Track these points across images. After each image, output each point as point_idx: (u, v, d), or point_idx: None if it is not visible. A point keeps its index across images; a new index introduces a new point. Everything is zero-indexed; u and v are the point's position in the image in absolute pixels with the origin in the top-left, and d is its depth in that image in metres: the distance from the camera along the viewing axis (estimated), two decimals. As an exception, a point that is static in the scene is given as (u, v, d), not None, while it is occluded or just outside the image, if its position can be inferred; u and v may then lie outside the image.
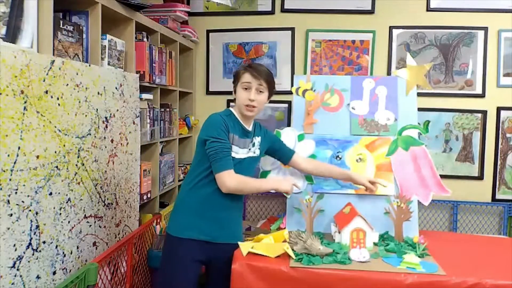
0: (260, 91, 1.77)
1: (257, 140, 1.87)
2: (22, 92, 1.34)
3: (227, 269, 1.73)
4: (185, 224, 1.76)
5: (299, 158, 2.04)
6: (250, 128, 1.84)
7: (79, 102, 1.67)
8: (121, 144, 2.05)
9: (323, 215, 2.09)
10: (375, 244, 1.91)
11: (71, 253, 1.64)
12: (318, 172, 2.08)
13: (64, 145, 1.57)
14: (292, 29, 3.17)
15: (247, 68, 1.78)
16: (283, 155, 2.02)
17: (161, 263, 1.80)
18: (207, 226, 1.75)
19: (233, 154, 1.73)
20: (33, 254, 1.41)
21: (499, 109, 3.03)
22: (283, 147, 2.03)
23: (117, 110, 1.99)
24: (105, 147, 1.89)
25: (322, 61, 3.16)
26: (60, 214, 1.56)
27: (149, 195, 2.47)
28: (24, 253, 1.37)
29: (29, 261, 1.40)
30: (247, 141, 1.81)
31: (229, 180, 1.69)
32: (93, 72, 1.77)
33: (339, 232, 1.89)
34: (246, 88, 1.76)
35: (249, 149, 1.82)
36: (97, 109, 1.81)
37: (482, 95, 3.04)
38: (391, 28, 3.08)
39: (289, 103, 3.13)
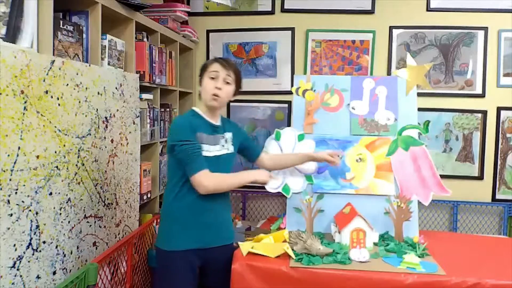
0: (227, 82, 1.75)
1: (229, 135, 1.82)
2: (22, 92, 1.34)
3: (223, 270, 1.73)
4: (175, 236, 1.71)
5: (265, 156, 2.02)
6: (217, 122, 1.80)
7: (79, 102, 1.67)
8: (121, 144, 2.05)
9: (323, 215, 2.09)
10: (375, 244, 1.91)
11: (71, 253, 1.64)
12: (280, 165, 2.05)
13: (64, 145, 1.57)
14: (292, 29, 3.17)
15: (216, 58, 1.78)
16: (252, 152, 1.99)
17: (158, 279, 1.75)
18: (198, 233, 1.71)
19: (205, 153, 1.69)
20: (33, 254, 1.41)
21: (499, 109, 3.02)
22: (252, 144, 2.01)
23: (117, 110, 1.99)
24: (105, 147, 1.89)
25: (322, 61, 3.16)
26: (60, 214, 1.56)
27: (149, 195, 2.47)
28: (24, 253, 1.37)
29: (29, 261, 1.39)
30: (217, 137, 1.76)
31: (205, 180, 1.64)
32: (93, 72, 1.77)
33: (339, 232, 1.89)
34: (213, 78, 1.73)
35: (223, 146, 1.78)
36: (97, 109, 1.81)
37: (482, 95, 3.04)
38: (391, 28, 3.08)
39: (289, 103, 3.13)
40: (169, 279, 1.70)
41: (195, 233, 1.71)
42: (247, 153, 1.98)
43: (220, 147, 1.77)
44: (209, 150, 1.71)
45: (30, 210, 1.39)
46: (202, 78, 1.77)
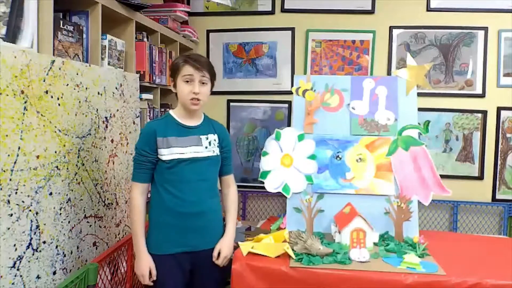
0: (203, 83, 1.69)
1: (214, 137, 1.76)
2: (22, 92, 1.34)
3: (212, 273, 1.72)
4: (163, 240, 1.69)
5: (229, 182, 1.87)
6: (195, 123, 1.75)
7: (79, 102, 1.67)
8: (121, 144, 2.05)
9: (323, 215, 2.09)
10: (375, 244, 1.91)
11: (71, 253, 1.64)
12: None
13: (64, 145, 1.57)
14: (292, 29, 3.17)
15: (187, 59, 1.67)
16: (223, 166, 1.83)
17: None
18: (186, 237, 1.69)
19: (177, 156, 1.66)
20: (33, 254, 1.41)
21: (499, 109, 3.02)
22: (229, 159, 1.86)
23: (117, 110, 1.99)
24: (105, 147, 1.89)
25: (322, 61, 3.16)
26: (60, 214, 1.56)
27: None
28: (24, 253, 1.37)
29: (29, 261, 1.40)
30: (193, 138, 1.71)
31: (133, 193, 1.69)
32: (93, 72, 1.77)
33: (339, 232, 1.89)
34: (188, 81, 1.67)
35: (206, 147, 1.72)
36: (97, 109, 1.81)
37: (482, 95, 3.04)
38: (391, 28, 3.08)
39: (289, 103, 3.13)
40: (159, 282, 1.68)
41: (180, 237, 1.69)
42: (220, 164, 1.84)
43: (202, 148, 1.71)
44: (182, 152, 1.67)
45: (30, 210, 1.39)
46: (176, 80, 1.70)
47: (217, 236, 1.77)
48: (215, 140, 1.77)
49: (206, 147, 1.73)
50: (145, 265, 1.66)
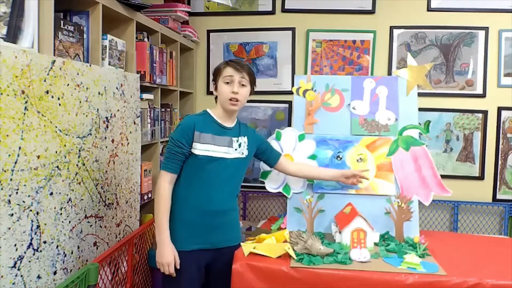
0: (243, 85, 1.76)
1: (244, 140, 1.83)
2: (23, 92, 1.34)
3: (227, 271, 1.73)
4: (182, 237, 1.73)
5: (286, 161, 2.04)
6: (231, 125, 1.81)
7: (80, 102, 1.67)
8: (122, 144, 2.05)
9: (324, 215, 2.09)
10: (375, 244, 1.91)
11: (72, 253, 1.64)
12: (307, 176, 2.07)
13: (65, 145, 1.57)
14: (292, 29, 3.17)
15: (228, 62, 1.77)
16: (270, 156, 1.99)
17: (163, 279, 1.75)
18: (205, 234, 1.74)
19: (209, 153, 1.71)
20: (33, 254, 1.41)
21: (499, 109, 3.02)
22: (270, 148, 2.01)
23: (118, 110, 2.00)
24: (106, 147, 1.89)
25: (322, 61, 3.16)
26: (61, 214, 1.56)
27: (149, 195, 2.47)
28: (25, 253, 1.37)
29: (30, 261, 1.40)
30: (226, 138, 1.77)
31: (161, 181, 1.71)
32: (94, 72, 1.77)
33: (340, 232, 1.89)
34: (228, 82, 1.75)
35: (236, 149, 1.78)
36: (97, 109, 1.81)
37: (482, 95, 3.04)
38: (391, 28, 3.08)
39: (290, 103, 3.14)
40: (175, 278, 1.71)
41: (202, 234, 1.73)
42: (265, 157, 1.99)
43: (232, 150, 1.77)
44: (215, 150, 1.73)
45: (30, 210, 1.39)
46: (217, 82, 1.79)
47: (235, 233, 1.85)
48: (244, 142, 1.83)
49: (236, 149, 1.79)
50: (170, 253, 1.68)
